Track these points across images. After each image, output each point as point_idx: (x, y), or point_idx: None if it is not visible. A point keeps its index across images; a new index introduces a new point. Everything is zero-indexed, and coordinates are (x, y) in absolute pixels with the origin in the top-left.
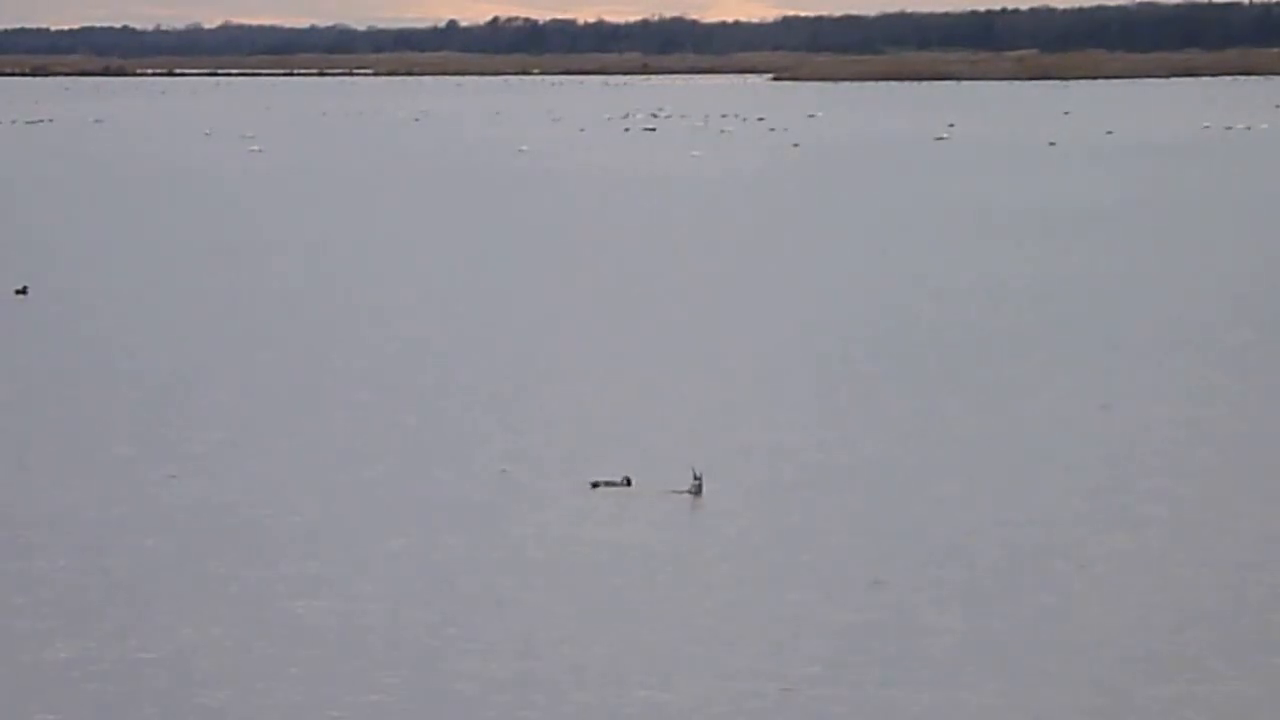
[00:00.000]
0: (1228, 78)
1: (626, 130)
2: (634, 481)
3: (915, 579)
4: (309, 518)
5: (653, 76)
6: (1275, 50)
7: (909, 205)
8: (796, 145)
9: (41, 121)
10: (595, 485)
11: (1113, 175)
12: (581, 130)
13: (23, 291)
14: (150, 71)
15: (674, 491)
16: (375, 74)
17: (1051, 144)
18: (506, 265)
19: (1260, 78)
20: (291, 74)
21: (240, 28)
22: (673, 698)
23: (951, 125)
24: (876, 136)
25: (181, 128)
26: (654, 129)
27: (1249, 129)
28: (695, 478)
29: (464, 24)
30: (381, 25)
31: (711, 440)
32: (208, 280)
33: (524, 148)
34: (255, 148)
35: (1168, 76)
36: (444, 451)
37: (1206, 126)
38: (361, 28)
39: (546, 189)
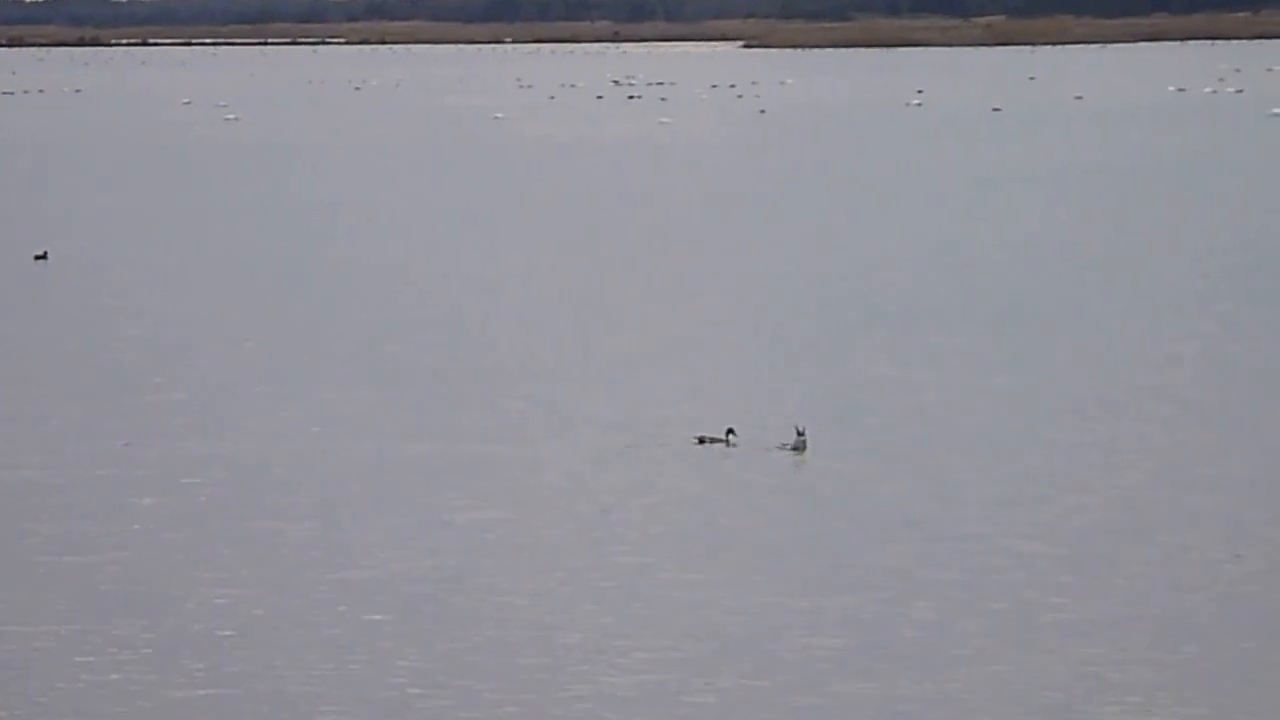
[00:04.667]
0: (1195, 42)
1: (599, 98)
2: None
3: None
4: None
5: (624, 45)
6: (1241, 15)
7: (885, 170)
8: (763, 112)
9: (20, 92)
10: (701, 441)
11: (1085, 139)
12: (552, 98)
13: (43, 257)
14: (124, 42)
15: (779, 448)
16: (347, 43)
17: (995, 109)
18: (492, 230)
19: (1226, 42)
20: (265, 43)
21: None
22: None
23: (920, 91)
24: (848, 103)
25: (161, 97)
26: (639, 96)
27: (1237, 91)
28: (799, 433)
29: None
30: None
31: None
32: (209, 245)
33: (499, 115)
34: (231, 116)
35: (1135, 41)
36: (465, 417)
37: (1175, 89)
38: None
39: (522, 154)
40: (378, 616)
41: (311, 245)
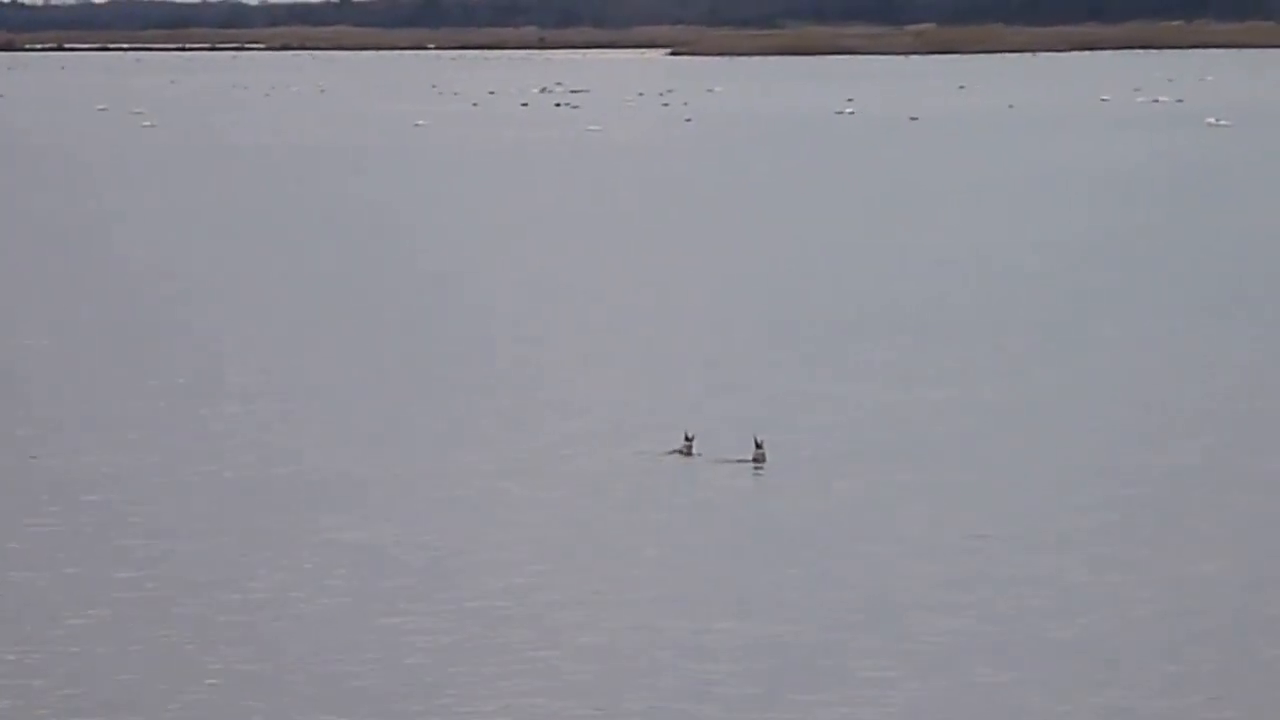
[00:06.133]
0: (1128, 51)
1: (524, 105)
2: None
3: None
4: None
5: (550, 51)
6: (1175, 24)
7: (812, 180)
8: (689, 120)
9: None
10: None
11: (1019, 149)
12: (475, 105)
13: None
14: (40, 47)
15: (737, 460)
16: (268, 49)
17: (913, 119)
18: (413, 241)
19: (1160, 51)
20: (184, 48)
21: (132, 2)
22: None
23: (851, 100)
24: (777, 112)
25: (78, 103)
26: (565, 104)
27: (1177, 100)
28: (758, 445)
29: None
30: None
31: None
32: (120, 253)
33: (420, 122)
34: (148, 123)
35: (1067, 50)
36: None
37: (1109, 99)
38: (254, 2)
39: (444, 163)
40: (260, 640)
41: (228, 252)
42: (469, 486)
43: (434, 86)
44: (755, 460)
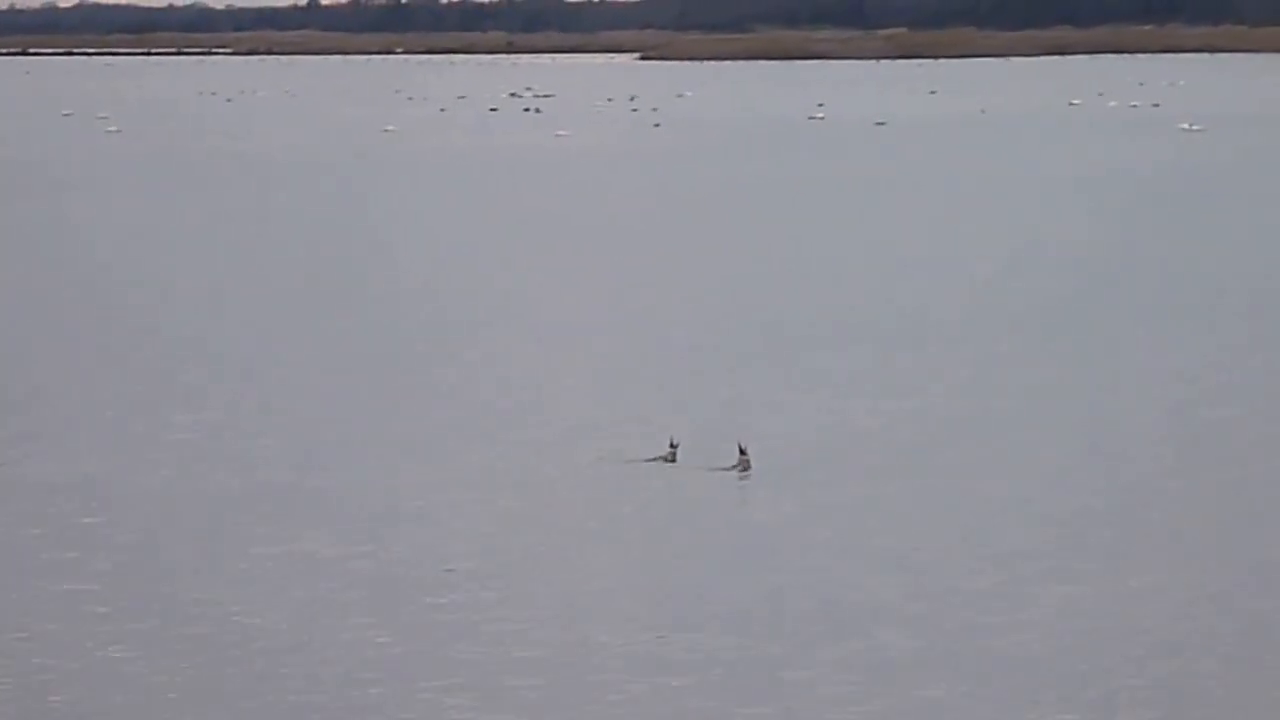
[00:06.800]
0: (1099, 55)
1: (493, 110)
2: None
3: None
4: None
5: (518, 55)
6: (1147, 28)
7: (780, 184)
8: (658, 125)
9: None
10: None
11: (990, 154)
12: (442, 110)
13: None
14: (4, 51)
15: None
16: (234, 53)
17: (880, 123)
18: (385, 248)
19: (1132, 55)
20: (149, 53)
21: (96, 6)
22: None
23: (822, 105)
24: (748, 116)
25: (42, 108)
26: (535, 109)
27: (1154, 105)
28: (742, 452)
29: (325, 2)
30: (241, 4)
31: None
32: (75, 263)
33: (390, 127)
34: (112, 128)
35: (1039, 54)
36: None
37: (1081, 103)
38: (220, 6)
39: (415, 168)
40: (218, 653)
41: (192, 261)
42: (445, 495)
43: (400, 91)
44: (740, 467)
